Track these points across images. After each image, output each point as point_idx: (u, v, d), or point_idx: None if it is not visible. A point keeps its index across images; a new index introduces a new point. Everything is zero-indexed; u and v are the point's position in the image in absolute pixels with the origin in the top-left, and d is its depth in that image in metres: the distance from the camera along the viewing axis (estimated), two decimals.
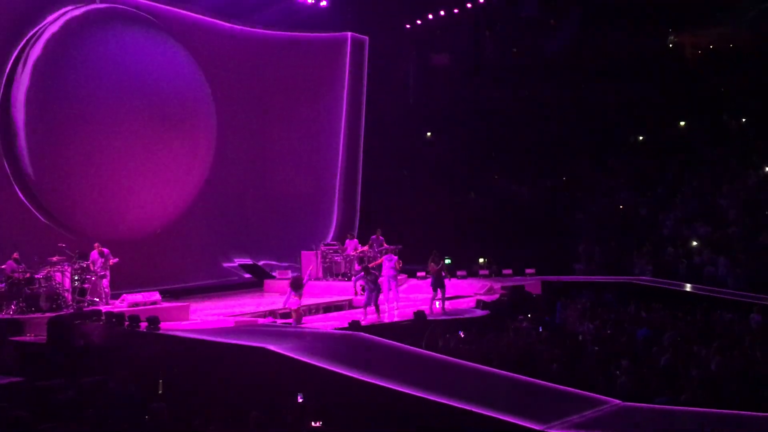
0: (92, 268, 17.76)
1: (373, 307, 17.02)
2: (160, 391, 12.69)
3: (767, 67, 29.81)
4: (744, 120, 30.54)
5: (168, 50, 23.01)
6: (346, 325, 15.49)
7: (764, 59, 30.08)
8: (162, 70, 22.49)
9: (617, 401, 9.71)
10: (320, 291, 20.67)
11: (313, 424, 10.17)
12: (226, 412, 10.34)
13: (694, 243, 24.54)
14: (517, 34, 33.88)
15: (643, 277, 22.77)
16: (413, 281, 22.42)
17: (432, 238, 24.06)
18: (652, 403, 10.19)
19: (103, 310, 15.99)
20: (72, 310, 16.57)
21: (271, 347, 12.18)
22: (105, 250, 18.07)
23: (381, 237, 22.23)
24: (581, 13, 32.34)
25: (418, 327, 15.63)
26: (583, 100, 31.97)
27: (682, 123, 31.51)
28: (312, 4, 25.97)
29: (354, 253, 22.19)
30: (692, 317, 16.59)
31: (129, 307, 16.83)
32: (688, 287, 21.16)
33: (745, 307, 17.81)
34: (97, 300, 17.74)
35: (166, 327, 15.01)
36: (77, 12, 21.26)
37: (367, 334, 13.78)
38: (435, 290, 17.92)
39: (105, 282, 17.99)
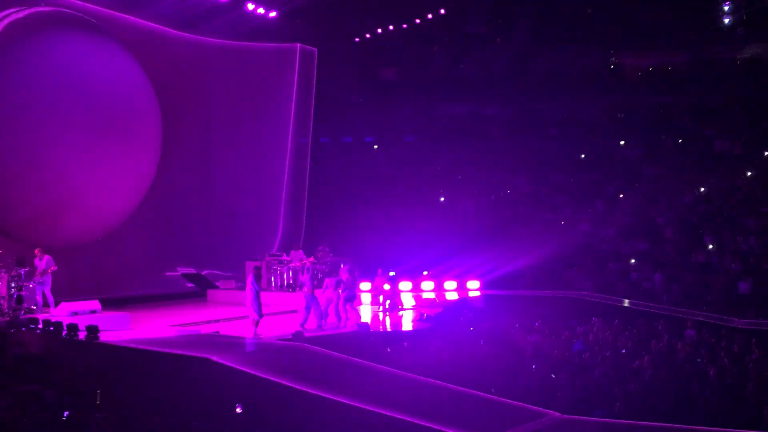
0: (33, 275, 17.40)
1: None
2: (98, 402, 12.47)
3: (704, 88, 30.96)
4: (680, 140, 31.51)
5: (113, 56, 22.64)
6: (289, 336, 15.48)
7: (701, 81, 31.22)
8: (106, 76, 22.09)
9: (556, 414, 9.87)
10: (264, 302, 20.51)
11: None
12: (168, 423, 10.22)
13: (633, 260, 25.14)
14: (465, 49, 34.37)
15: (584, 292, 23.24)
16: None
17: (377, 250, 24.18)
18: (590, 415, 10.41)
19: (41, 319, 15.65)
20: (8, 318, 16.17)
21: (214, 358, 12.10)
22: (46, 256, 17.68)
23: (327, 248, 22.30)
24: (527, 31, 32.99)
25: (361, 339, 15.71)
26: (527, 115, 32.59)
27: (622, 141, 32.31)
28: (261, 14, 25.88)
29: (299, 263, 22.14)
30: (629, 332, 17.01)
31: (67, 315, 16.49)
32: (626, 302, 21.66)
33: (679, 322, 18.37)
34: (35, 308, 17.35)
35: (106, 337, 14.77)
36: (20, 15, 20.80)
37: (310, 345, 13.78)
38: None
39: (47, 289, 17.59)
